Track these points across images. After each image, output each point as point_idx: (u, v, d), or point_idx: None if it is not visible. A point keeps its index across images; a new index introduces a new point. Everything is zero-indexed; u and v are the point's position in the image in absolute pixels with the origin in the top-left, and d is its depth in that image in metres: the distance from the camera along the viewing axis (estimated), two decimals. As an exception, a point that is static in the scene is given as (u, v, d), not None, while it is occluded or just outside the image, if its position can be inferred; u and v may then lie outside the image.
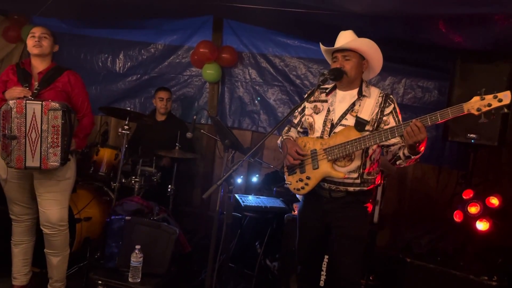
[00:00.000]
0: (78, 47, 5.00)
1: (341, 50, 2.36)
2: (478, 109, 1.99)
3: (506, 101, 1.95)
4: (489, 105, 1.97)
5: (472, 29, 2.62)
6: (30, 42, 2.74)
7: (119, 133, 3.53)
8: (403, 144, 2.29)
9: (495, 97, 1.96)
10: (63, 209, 2.82)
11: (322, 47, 2.46)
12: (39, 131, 2.56)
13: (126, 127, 3.49)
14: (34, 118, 2.55)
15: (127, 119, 3.52)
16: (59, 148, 2.59)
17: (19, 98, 2.58)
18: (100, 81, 4.99)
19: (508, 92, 1.95)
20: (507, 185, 3.39)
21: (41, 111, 2.55)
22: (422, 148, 2.16)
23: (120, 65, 4.96)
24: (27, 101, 2.55)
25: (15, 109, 2.53)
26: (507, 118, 3.11)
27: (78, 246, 3.33)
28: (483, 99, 1.98)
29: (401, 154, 2.26)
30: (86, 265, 3.19)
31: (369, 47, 2.35)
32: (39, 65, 2.77)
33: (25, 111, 2.54)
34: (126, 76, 4.95)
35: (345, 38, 2.37)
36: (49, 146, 2.57)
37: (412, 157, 2.20)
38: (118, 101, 4.97)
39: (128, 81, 4.95)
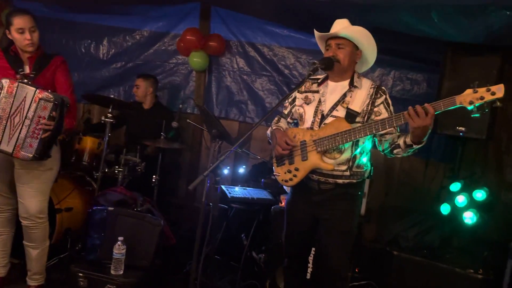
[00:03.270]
0: (60, 32, 4.85)
1: (335, 37, 2.30)
2: (471, 102, 1.95)
3: (499, 94, 1.91)
4: (482, 98, 1.93)
5: (465, 21, 2.59)
6: (19, 38, 2.58)
7: (102, 122, 3.43)
8: (399, 133, 2.25)
9: (488, 90, 1.92)
10: (43, 201, 2.72)
11: (316, 33, 2.39)
12: (23, 117, 2.46)
13: (109, 115, 3.39)
14: (23, 103, 2.45)
15: (111, 107, 3.42)
16: (38, 140, 2.47)
17: (12, 79, 2.48)
18: (83, 67, 4.85)
19: (501, 86, 1.91)
20: (493, 179, 3.40)
21: (32, 97, 2.45)
22: (425, 138, 2.11)
23: (104, 52, 4.84)
24: (20, 83, 2.46)
25: (5, 89, 2.44)
26: (496, 112, 3.11)
27: (58, 238, 3.24)
28: (476, 92, 1.94)
29: (401, 142, 2.19)
30: (67, 257, 3.12)
31: (363, 36, 2.29)
32: (27, 52, 2.66)
33: (15, 92, 2.45)
34: (110, 63, 4.83)
35: (341, 27, 2.31)
36: (28, 135, 2.46)
37: (414, 146, 2.14)
38: (102, 88, 4.84)
39: (112, 68, 4.83)
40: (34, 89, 2.46)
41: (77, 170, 3.72)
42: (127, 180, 3.66)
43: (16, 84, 2.45)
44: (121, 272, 2.69)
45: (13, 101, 2.45)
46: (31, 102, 2.45)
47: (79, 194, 3.52)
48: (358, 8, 2.77)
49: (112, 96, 4.25)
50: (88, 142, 3.69)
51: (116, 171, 3.58)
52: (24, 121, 2.46)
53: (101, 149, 3.61)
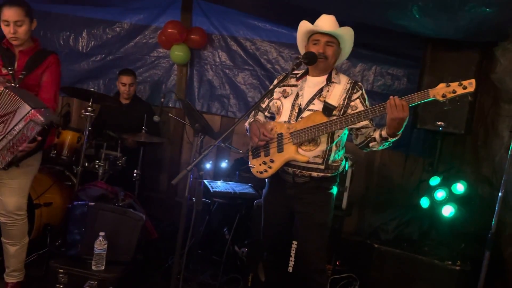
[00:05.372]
0: (37, 23, 4.70)
1: (326, 35, 2.32)
2: (443, 95, 2.03)
3: (470, 89, 2.00)
4: (454, 91, 2.01)
5: (445, 17, 2.63)
6: (5, 31, 2.48)
7: (82, 115, 3.37)
8: (374, 127, 2.31)
9: (460, 84, 2.01)
10: (22, 198, 2.64)
11: (305, 24, 2.38)
12: (7, 130, 2.31)
13: (89, 108, 3.33)
14: (12, 115, 2.29)
15: (91, 100, 3.36)
16: (13, 155, 2.36)
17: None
18: (61, 60, 4.62)
19: (472, 80, 2.00)
20: (470, 173, 3.47)
21: (24, 116, 2.28)
22: (401, 131, 2.16)
23: (83, 44, 4.73)
24: (11, 92, 2.29)
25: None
26: (474, 107, 3.18)
27: (37, 233, 3.17)
28: (448, 85, 2.03)
29: (376, 135, 2.25)
30: (46, 253, 3.05)
31: (349, 37, 2.37)
32: (20, 45, 2.56)
33: (6, 100, 2.30)
34: (89, 56, 4.73)
35: (331, 24, 2.33)
36: (5, 148, 2.34)
37: (390, 139, 2.19)
38: (81, 81, 4.75)
39: (92, 61, 4.74)
40: (29, 108, 2.28)
41: (56, 165, 3.65)
42: (107, 174, 3.61)
43: (1, 89, 2.30)
44: (103, 268, 2.66)
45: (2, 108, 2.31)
46: (20, 120, 2.29)
47: (58, 189, 3.45)
48: (341, 2, 2.78)
49: (92, 89, 4.18)
50: (68, 136, 3.62)
51: (97, 166, 3.52)
52: (7, 134, 2.32)
53: (81, 143, 3.54)
